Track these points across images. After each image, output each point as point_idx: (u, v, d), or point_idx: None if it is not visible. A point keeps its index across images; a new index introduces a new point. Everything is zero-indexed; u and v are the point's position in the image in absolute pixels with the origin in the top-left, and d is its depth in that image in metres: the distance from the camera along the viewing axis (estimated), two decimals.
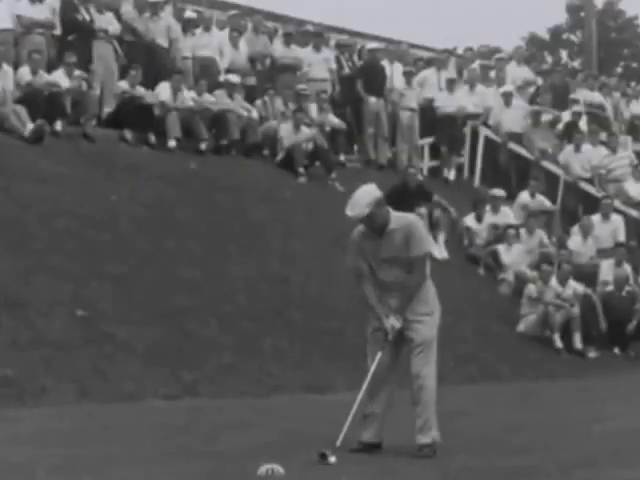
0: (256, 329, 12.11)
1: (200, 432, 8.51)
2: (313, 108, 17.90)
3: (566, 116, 20.42)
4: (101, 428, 8.56)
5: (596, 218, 17.50)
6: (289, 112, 17.35)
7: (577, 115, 20.30)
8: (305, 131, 17.07)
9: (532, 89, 21.11)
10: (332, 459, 7.24)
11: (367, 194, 7.69)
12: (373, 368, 7.66)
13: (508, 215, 17.38)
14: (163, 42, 17.09)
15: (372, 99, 18.61)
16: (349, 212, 7.65)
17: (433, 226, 16.50)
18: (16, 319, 10.50)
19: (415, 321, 7.74)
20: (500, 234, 16.87)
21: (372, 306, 7.77)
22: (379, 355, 7.67)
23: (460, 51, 22.14)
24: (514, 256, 16.45)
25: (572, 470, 7.37)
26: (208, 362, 11.03)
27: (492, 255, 16.59)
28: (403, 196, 16.54)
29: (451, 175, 19.35)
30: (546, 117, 19.93)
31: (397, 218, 7.79)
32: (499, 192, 17.59)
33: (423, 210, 16.26)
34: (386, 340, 7.70)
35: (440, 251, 16.37)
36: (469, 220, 17.20)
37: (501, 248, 16.55)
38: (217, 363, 11.08)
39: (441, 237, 16.56)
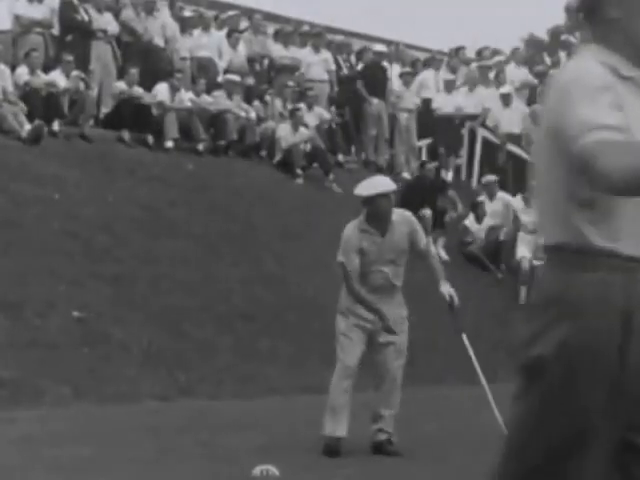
0: (252, 330, 12.12)
1: (196, 433, 8.51)
2: (314, 108, 17.90)
3: None
4: (97, 429, 8.57)
5: None
6: (287, 113, 17.36)
7: None
8: (303, 132, 17.07)
9: (529, 90, 21.08)
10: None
11: (385, 179, 7.96)
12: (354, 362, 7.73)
13: (506, 199, 17.30)
14: (160, 42, 17.13)
15: (374, 101, 18.64)
16: (371, 190, 7.62)
17: (435, 227, 16.36)
18: (12, 320, 10.50)
19: (395, 323, 7.77)
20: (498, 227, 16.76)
21: (365, 299, 7.68)
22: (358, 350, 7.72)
23: (455, 52, 22.09)
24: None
25: None
26: (204, 363, 11.04)
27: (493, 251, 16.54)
28: (418, 189, 16.49)
29: (449, 176, 19.36)
30: None
31: (396, 213, 7.81)
32: (491, 178, 17.51)
33: (427, 211, 16.15)
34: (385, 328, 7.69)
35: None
36: (468, 221, 17.16)
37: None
38: (213, 364, 11.08)
39: (441, 240, 16.47)
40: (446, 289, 7.80)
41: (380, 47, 19.84)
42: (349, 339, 7.76)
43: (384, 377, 7.84)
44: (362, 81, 18.78)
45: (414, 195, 16.31)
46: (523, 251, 16.12)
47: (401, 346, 7.88)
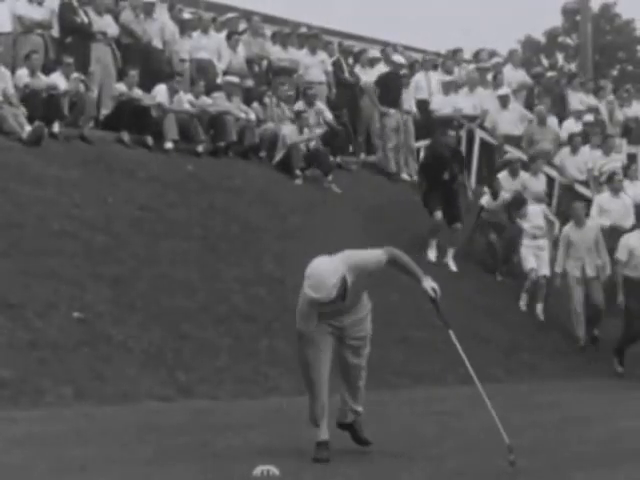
0: (252, 331, 12.14)
1: (196, 433, 8.53)
2: (315, 104, 17.91)
3: (576, 125, 20.14)
4: (98, 429, 8.59)
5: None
6: (288, 114, 17.39)
7: (589, 126, 19.99)
8: (307, 133, 17.10)
9: (526, 92, 21.11)
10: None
11: (333, 273, 7.12)
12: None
13: (528, 180, 17.13)
14: (160, 44, 17.18)
15: (391, 111, 18.65)
16: (314, 294, 7.11)
17: (432, 232, 16.21)
18: (13, 321, 10.52)
19: (362, 320, 7.69)
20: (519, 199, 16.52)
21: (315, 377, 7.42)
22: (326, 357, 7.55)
23: (452, 53, 22.14)
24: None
25: (570, 472, 7.41)
26: (204, 364, 11.06)
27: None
28: (437, 155, 16.39)
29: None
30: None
31: (348, 268, 7.24)
32: (514, 154, 17.30)
33: (438, 213, 15.98)
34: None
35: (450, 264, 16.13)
36: (484, 199, 16.78)
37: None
38: (213, 365, 11.10)
39: (451, 250, 16.25)
40: (429, 284, 7.42)
41: (397, 58, 19.69)
42: (317, 347, 7.58)
43: (346, 372, 7.74)
44: (378, 90, 18.81)
45: (433, 162, 16.22)
46: (531, 262, 15.87)
47: (365, 340, 7.70)
